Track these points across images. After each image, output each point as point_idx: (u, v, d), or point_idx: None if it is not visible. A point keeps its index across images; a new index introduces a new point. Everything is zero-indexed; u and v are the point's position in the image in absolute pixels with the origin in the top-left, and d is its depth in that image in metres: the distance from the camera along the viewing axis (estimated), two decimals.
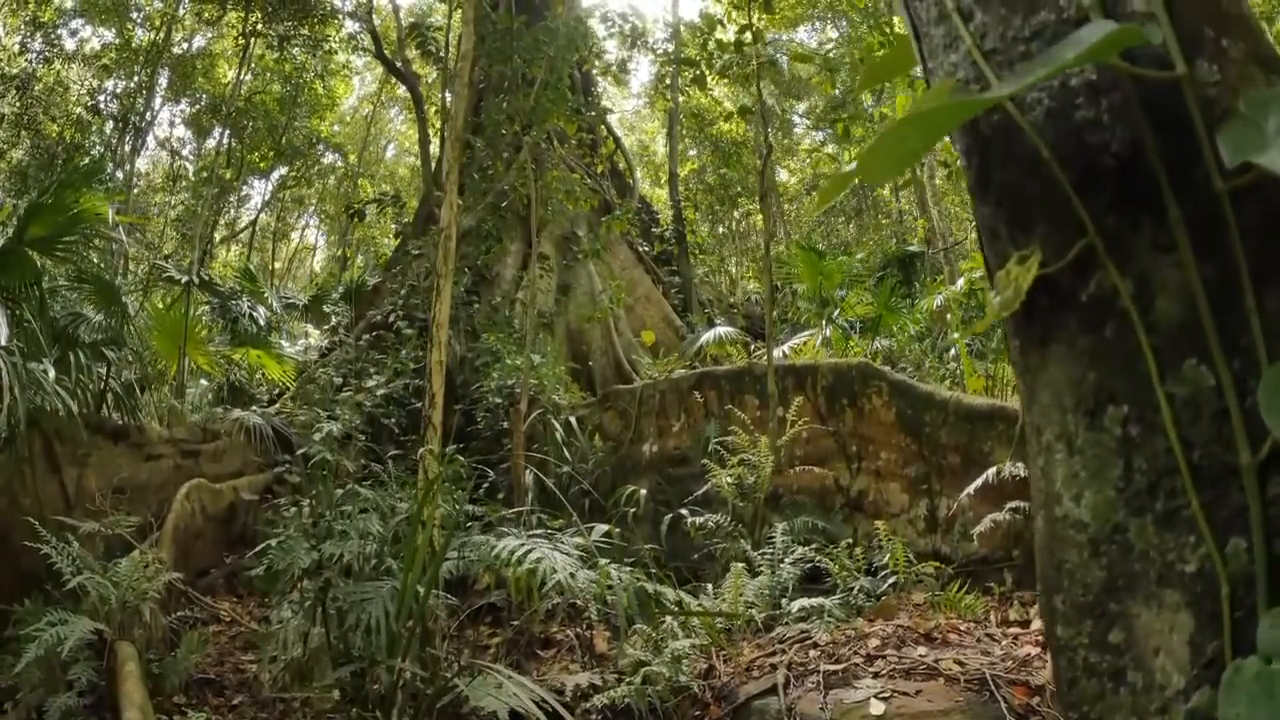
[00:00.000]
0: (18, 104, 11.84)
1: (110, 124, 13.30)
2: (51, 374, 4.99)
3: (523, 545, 3.74)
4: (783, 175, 18.32)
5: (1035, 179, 0.70)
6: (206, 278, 8.19)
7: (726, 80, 9.91)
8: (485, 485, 6.55)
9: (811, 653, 4.02)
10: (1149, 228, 0.63)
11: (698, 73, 7.48)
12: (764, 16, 7.34)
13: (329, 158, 18.31)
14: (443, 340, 4.71)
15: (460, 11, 9.00)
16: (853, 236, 16.01)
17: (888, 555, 4.64)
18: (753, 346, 10.38)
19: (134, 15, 14.24)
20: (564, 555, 3.76)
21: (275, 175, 17.66)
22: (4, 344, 5.04)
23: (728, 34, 7.93)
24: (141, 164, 17.13)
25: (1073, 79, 0.68)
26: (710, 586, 4.57)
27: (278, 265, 19.66)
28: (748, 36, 7.14)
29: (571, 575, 3.75)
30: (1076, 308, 0.67)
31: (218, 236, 16.86)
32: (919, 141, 0.60)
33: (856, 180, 0.72)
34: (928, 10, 0.85)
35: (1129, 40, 0.58)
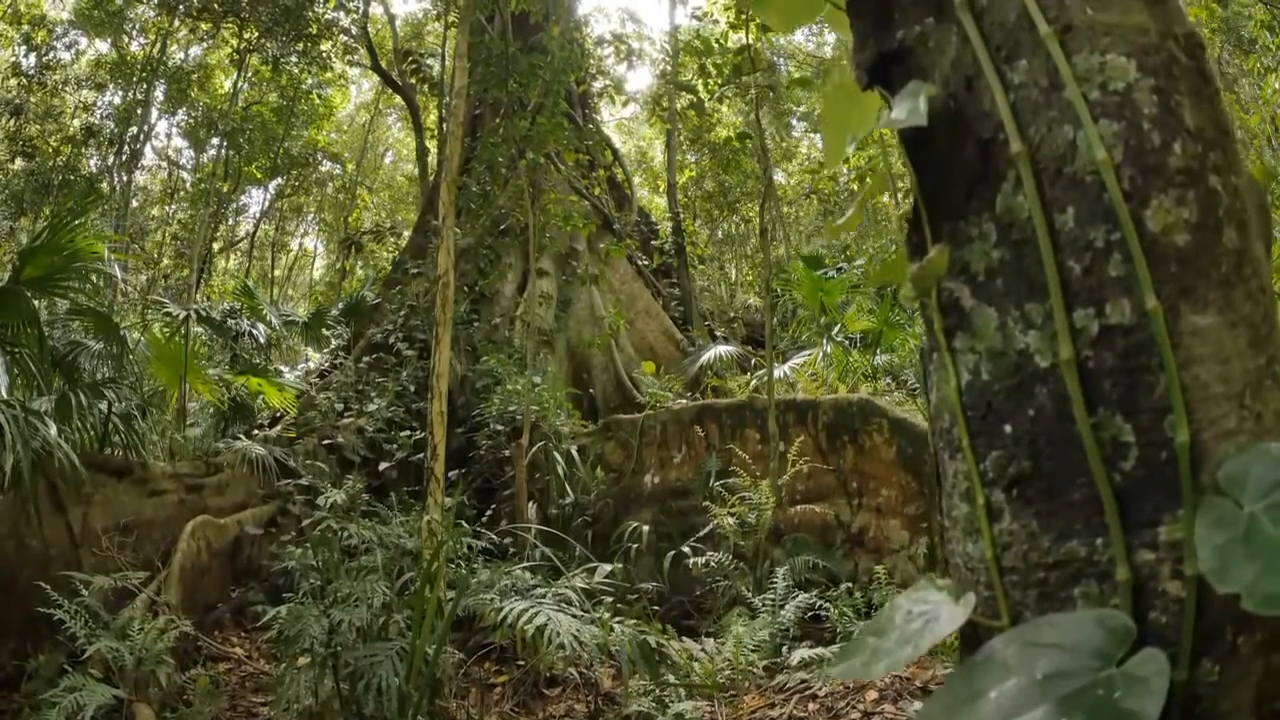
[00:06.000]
0: (12, 125, 11.79)
1: (106, 142, 13.25)
2: (54, 429, 5.01)
3: (529, 609, 3.79)
4: (780, 178, 18.28)
5: None
6: (205, 311, 8.19)
7: (725, 97, 9.87)
8: (489, 513, 6.58)
9: (810, 706, 4.08)
10: None
11: (695, 99, 7.46)
12: (761, 36, 7.30)
13: (326, 166, 18.25)
14: (443, 390, 4.73)
15: (455, 30, 8.95)
16: (852, 240, 15.98)
17: (888, 601, 4.68)
18: (752, 361, 10.39)
19: (128, 28, 14.15)
20: (568, 617, 3.81)
21: (273, 185, 17.61)
22: (5, 397, 5.06)
23: (729, 41, 7.87)
24: (140, 177, 17.08)
25: None
26: (712, 640, 4.62)
27: (277, 273, 19.63)
28: (745, 59, 7.11)
29: (575, 634, 3.80)
30: None
31: (216, 247, 16.83)
32: None
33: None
34: (955, 477, 0.76)
35: None
